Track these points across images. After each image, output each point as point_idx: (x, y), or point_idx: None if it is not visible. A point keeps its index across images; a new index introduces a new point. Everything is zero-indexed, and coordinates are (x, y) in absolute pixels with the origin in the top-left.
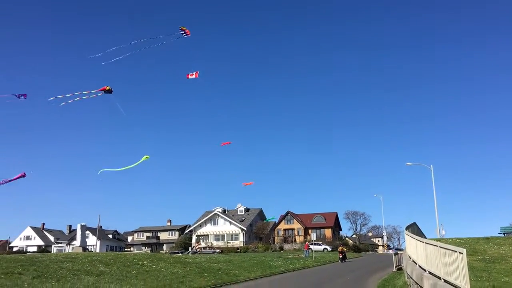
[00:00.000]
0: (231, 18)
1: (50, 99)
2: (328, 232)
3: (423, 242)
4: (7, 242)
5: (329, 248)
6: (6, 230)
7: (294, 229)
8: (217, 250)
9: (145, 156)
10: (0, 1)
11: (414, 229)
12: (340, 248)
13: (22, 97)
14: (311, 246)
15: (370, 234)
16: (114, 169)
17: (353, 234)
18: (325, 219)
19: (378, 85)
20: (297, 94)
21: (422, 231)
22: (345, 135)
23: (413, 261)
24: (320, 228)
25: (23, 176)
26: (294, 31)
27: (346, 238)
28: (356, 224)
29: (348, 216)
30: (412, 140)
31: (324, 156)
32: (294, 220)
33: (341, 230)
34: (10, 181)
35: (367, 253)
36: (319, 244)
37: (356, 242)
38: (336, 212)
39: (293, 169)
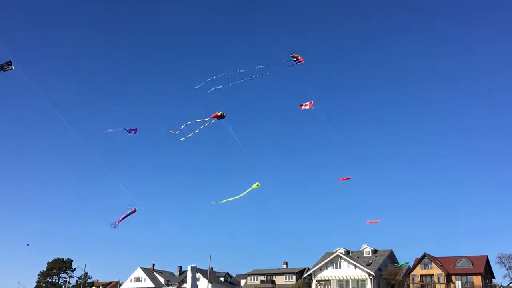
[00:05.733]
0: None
1: (174, 132)
2: (477, 280)
3: None
4: (118, 284)
5: None
6: (118, 271)
7: (433, 275)
8: None
9: (255, 184)
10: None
11: None
12: None
13: (133, 132)
14: None
15: None
16: (223, 201)
17: (510, 283)
18: (472, 264)
19: None
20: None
21: None
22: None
23: None
24: (466, 274)
25: (134, 211)
26: None
27: None
28: None
29: (503, 260)
30: None
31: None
32: (433, 264)
33: (493, 277)
34: (123, 218)
35: None
36: None
37: None
38: (487, 255)
39: (426, 203)
